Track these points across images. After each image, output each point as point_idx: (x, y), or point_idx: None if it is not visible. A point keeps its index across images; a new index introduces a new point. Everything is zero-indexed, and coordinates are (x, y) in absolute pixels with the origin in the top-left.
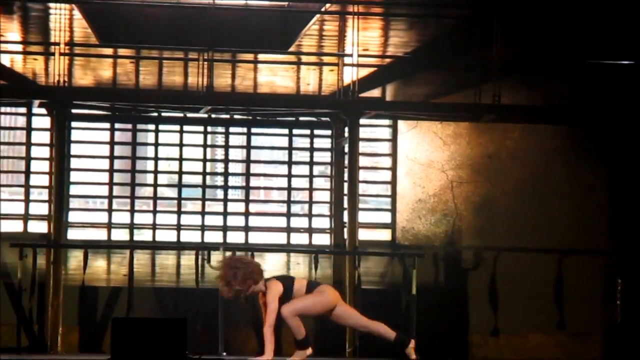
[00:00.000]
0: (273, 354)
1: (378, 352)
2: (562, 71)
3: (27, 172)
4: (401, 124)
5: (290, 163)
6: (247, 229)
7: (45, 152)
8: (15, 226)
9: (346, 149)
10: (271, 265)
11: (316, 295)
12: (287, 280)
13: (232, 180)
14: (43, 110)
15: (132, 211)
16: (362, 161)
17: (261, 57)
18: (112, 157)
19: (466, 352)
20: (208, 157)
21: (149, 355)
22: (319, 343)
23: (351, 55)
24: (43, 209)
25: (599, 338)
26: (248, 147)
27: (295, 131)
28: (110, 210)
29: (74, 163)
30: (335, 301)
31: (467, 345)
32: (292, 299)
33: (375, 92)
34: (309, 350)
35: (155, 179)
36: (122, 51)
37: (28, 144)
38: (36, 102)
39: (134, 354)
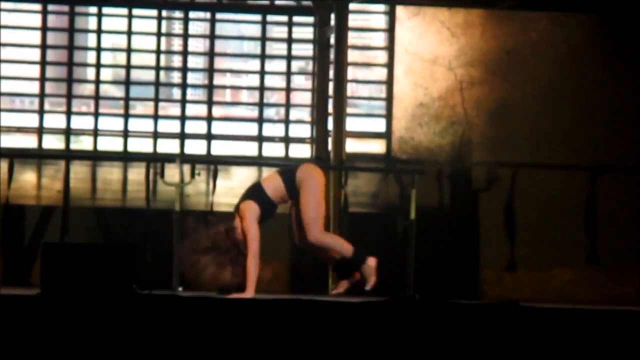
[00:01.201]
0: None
1: (364, 290)
2: None
3: None
4: (400, 10)
5: (263, 57)
6: (209, 136)
7: None
8: None
9: (332, 41)
10: (239, 181)
11: (311, 188)
12: (256, 192)
13: (192, 77)
14: None
15: (69, 113)
16: (352, 56)
17: None
18: (43, 47)
19: (476, 290)
20: (162, 48)
21: (88, 289)
22: (297, 281)
23: None
24: None
25: (638, 273)
26: (211, 36)
27: (269, 18)
28: (41, 111)
29: None
30: (323, 181)
31: (477, 282)
32: (274, 208)
33: None
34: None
35: (97, 74)
36: None
37: None
38: None
39: (68, 286)
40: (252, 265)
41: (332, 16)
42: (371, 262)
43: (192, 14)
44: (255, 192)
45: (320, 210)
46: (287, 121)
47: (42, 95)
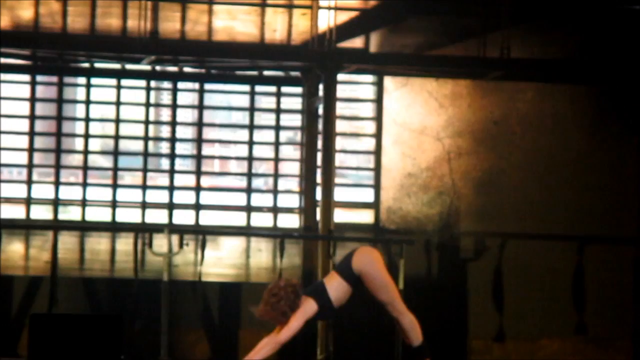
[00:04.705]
0: None
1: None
2: (584, 18)
3: None
4: (388, 81)
5: (251, 127)
6: (197, 207)
7: None
8: None
9: (320, 111)
10: (227, 252)
11: (371, 276)
12: (318, 291)
13: (180, 148)
14: None
15: (57, 183)
16: (340, 126)
17: None
18: (32, 117)
19: None
20: (151, 118)
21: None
22: (286, 349)
23: None
24: None
25: (626, 344)
26: (200, 107)
27: (258, 88)
28: (29, 182)
29: None
30: (381, 261)
31: (466, 352)
32: (332, 313)
33: (357, 42)
34: None
35: (86, 144)
36: None
37: None
38: None
39: (56, 357)
40: (268, 347)
41: (321, 87)
42: None
43: (180, 85)
44: (317, 290)
45: (391, 289)
46: (275, 191)
47: (30, 166)
